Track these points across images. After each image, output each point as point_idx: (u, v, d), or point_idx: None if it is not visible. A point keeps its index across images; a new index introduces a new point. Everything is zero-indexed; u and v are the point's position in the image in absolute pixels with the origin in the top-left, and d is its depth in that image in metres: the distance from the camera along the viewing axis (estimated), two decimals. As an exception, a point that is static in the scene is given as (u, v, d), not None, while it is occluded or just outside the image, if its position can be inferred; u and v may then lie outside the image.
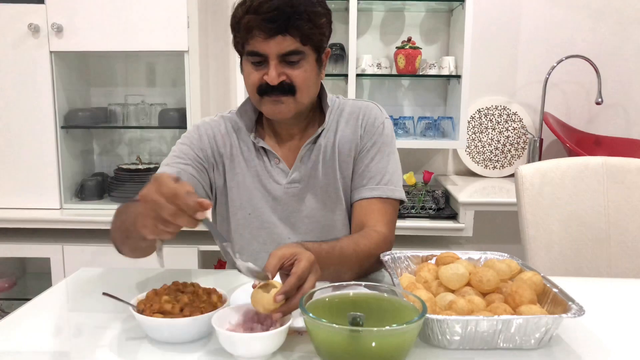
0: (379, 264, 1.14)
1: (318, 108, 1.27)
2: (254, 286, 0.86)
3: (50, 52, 2.18)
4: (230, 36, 1.16)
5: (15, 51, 2.17)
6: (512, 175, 2.54)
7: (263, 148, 1.24)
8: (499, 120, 2.61)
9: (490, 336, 0.82)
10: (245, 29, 1.10)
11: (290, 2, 1.06)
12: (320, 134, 1.24)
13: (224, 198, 1.27)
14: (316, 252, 0.98)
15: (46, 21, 2.15)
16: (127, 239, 1.03)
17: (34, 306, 1.04)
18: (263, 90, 1.13)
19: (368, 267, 1.14)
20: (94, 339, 0.90)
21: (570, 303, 0.86)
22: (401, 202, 1.25)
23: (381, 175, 1.22)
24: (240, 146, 1.25)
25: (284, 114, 1.16)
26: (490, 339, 0.83)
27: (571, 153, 2.38)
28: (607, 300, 1.08)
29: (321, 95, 1.26)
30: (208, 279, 1.26)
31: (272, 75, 1.10)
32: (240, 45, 1.14)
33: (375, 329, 0.71)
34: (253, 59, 1.12)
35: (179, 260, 2.13)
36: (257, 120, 1.27)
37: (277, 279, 0.89)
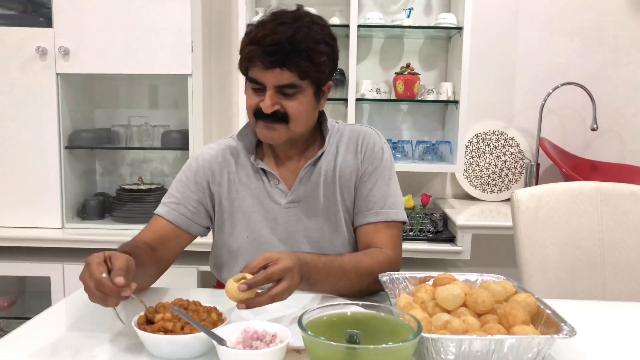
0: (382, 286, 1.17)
1: (318, 131, 1.31)
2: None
3: (57, 74, 2.22)
4: (233, 60, 1.22)
5: (23, 73, 2.22)
6: (509, 199, 2.57)
7: (263, 169, 1.27)
8: (497, 145, 2.64)
9: (484, 355, 0.84)
10: (247, 58, 1.15)
11: (292, 39, 1.10)
12: (321, 156, 1.27)
13: (223, 225, 1.30)
14: (313, 263, 1.05)
15: (54, 44, 2.20)
16: None
17: (33, 325, 1.04)
18: (258, 114, 1.18)
19: (370, 285, 1.16)
20: (94, 358, 0.91)
21: (562, 324, 0.88)
22: (403, 222, 1.28)
23: (384, 199, 1.25)
24: (238, 172, 1.29)
25: (275, 140, 1.21)
26: (483, 359, 0.84)
27: (567, 178, 2.41)
28: (600, 323, 1.10)
29: (321, 120, 1.30)
30: (208, 298, 1.28)
31: (267, 104, 1.15)
32: (243, 68, 1.19)
33: (371, 346, 0.72)
34: (253, 85, 1.17)
35: (179, 280, 2.14)
36: (257, 143, 1.31)
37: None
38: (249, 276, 0.95)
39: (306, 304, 1.09)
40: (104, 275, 0.89)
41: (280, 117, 1.17)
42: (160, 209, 1.27)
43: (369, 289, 1.17)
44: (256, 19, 1.27)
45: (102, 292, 0.89)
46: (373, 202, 1.26)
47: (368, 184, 1.27)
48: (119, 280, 0.88)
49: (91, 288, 0.90)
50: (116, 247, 1.10)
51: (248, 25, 1.18)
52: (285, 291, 0.97)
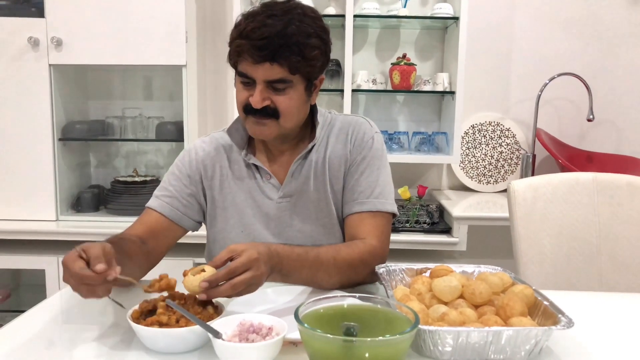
0: (373, 276, 1.15)
1: (310, 124, 1.28)
2: (184, 273, 0.95)
3: (50, 65, 2.20)
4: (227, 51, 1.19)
5: (15, 64, 2.20)
6: (505, 190, 2.57)
7: (254, 165, 1.26)
8: (493, 136, 2.64)
9: (481, 347, 0.84)
10: (235, 51, 1.12)
11: (282, 32, 1.07)
12: (311, 149, 1.25)
13: (215, 220, 1.28)
14: (285, 254, 1.03)
15: (46, 35, 2.18)
16: None
17: (28, 318, 1.04)
18: (248, 110, 1.15)
19: (354, 277, 1.14)
20: (89, 351, 0.90)
21: (560, 315, 0.87)
22: (394, 215, 1.25)
23: (371, 189, 1.22)
24: (231, 166, 1.27)
25: (265, 136, 1.19)
26: (481, 350, 0.84)
27: (563, 169, 2.41)
28: (597, 314, 1.09)
29: (312, 112, 1.27)
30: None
31: (256, 100, 1.12)
32: (232, 62, 1.17)
33: (368, 339, 0.72)
34: (242, 79, 1.15)
35: (175, 272, 2.13)
36: (248, 137, 1.28)
37: None
38: (208, 269, 0.93)
39: (303, 297, 1.09)
40: (83, 267, 0.87)
41: (271, 113, 1.14)
42: (152, 202, 1.25)
43: (350, 281, 1.14)
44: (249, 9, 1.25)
45: (88, 285, 0.87)
46: (359, 192, 1.23)
47: (355, 174, 1.24)
48: (99, 267, 0.86)
49: (76, 285, 0.88)
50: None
51: (238, 16, 1.16)
52: (249, 282, 0.93)
